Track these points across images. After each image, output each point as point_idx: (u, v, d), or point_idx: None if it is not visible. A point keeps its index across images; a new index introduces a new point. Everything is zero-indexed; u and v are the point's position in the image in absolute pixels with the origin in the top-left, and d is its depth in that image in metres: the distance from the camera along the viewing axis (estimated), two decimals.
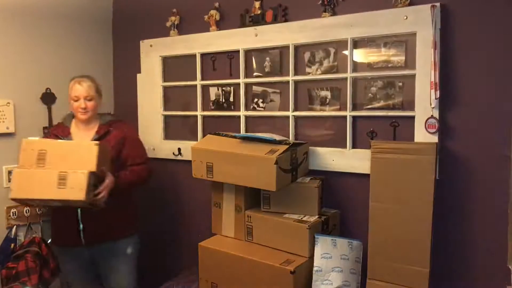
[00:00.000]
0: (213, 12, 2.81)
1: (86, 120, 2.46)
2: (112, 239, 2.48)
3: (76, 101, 2.41)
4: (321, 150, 2.47)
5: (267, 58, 2.66)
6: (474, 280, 2.12)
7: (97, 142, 2.20)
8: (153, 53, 3.10)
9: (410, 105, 2.21)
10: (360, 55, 2.37)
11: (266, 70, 2.68)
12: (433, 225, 2.00)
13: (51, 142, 2.23)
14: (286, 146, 2.24)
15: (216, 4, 2.81)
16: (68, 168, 2.08)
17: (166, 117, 3.14)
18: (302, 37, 2.49)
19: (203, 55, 2.90)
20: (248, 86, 2.76)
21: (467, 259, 2.13)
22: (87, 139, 2.39)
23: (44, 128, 2.93)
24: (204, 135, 2.88)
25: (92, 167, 2.10)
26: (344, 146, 2.40)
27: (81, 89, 2.40)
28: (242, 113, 2.76)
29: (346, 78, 2.38)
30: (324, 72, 2.48)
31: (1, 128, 2.74)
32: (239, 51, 2.73)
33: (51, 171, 2.09)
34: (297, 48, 2.55)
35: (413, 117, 2.18)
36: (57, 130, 2.49)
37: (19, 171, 2.14)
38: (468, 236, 2.12)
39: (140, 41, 3.15)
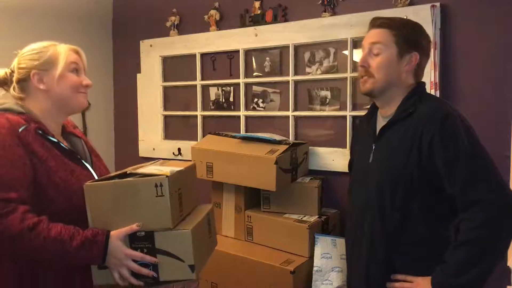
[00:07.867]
0: (213, 12, 2.80)
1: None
2: None
3: (74, 72, 1.47)
4: (321, 150, 2.47)
5: (267, 58, 2.66)
6: None
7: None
8: (153, 53, 3.10)
9: None
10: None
11: (266, 70, 2.68)
12: None
13: None
14: (286, 146, 2.24)
15: (216, 4, 2.81)
16: None
17: (166, 117, 3.14)
18: (302, 37, 2.49)
19: (203, 55, 2.90)
20: (248, 86, 2.76)
21: None
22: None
23: None
24: (204, 135, 2.88)
25: None
26: (344, 146, 2.40)
27: (80, 58, 1.54)
28: (242, 113, 2.76)
29: (346, 78, 2.39)
30: (324, 72, 2.48)
31: None
32: (239, 51, 2.73)
33: None
34: (297, 48, 2.55)
35: None
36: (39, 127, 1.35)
37: None
38: None
39: (140, 41, 3.15)
